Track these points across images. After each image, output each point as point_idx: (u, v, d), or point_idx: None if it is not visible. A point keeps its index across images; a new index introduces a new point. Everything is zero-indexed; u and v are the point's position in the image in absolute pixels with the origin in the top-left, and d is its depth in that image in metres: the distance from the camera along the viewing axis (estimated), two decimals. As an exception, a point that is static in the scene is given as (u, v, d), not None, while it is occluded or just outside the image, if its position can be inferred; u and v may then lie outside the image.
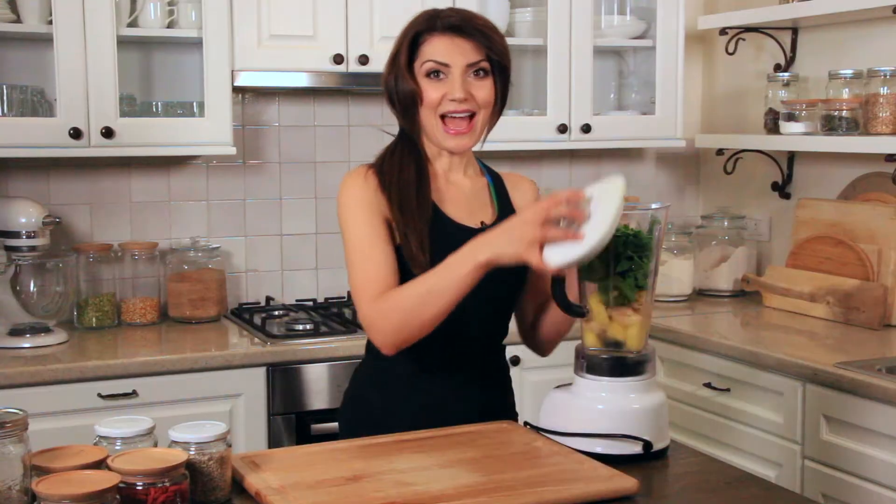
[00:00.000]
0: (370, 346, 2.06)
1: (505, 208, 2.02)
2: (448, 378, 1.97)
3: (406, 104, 1.94)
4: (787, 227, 3.56)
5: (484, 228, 1.93)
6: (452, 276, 1.74)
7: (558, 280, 1.76)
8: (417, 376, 1.97)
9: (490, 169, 2.10)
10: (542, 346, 2.10)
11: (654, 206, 1.80)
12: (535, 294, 2.05)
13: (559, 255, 1.66)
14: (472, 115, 1.92)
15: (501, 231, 1.72)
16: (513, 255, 1.68)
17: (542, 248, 1.66)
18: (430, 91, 1.90)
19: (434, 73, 1.91)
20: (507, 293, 2.01)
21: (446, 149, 1.95)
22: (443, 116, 1.92)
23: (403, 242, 1.88)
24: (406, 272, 1.86)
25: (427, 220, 1.89)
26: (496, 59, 1.92)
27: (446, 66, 1.90)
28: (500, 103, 1.97)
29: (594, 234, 1.64)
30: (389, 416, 1.96)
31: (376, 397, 2.01)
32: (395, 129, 2.06)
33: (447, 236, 1.89)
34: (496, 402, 2.04)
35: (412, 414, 1.95)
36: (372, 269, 1.85)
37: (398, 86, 1.94)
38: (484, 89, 1.92)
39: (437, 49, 1.90)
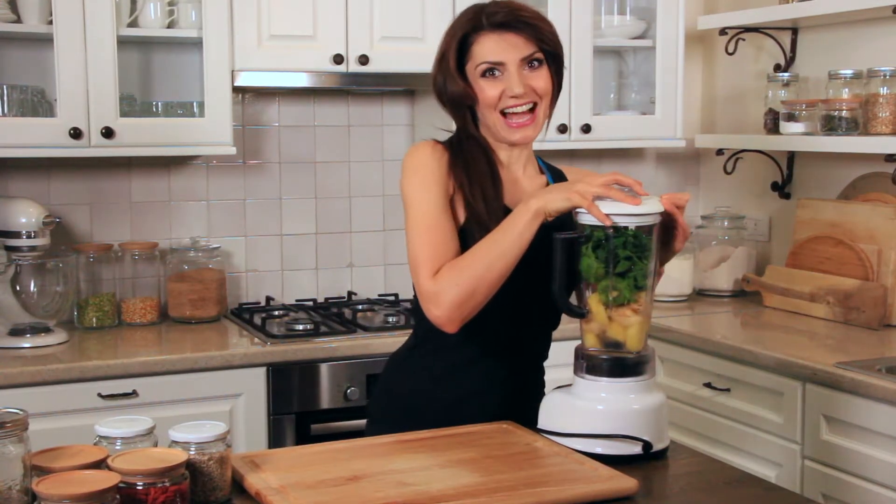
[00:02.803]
0: (416, 332, 2.05)
1: None
2: (487, 372, 1.97)
3: (455, 104, 1.95)
4: (787, 227, 3.56)
5: (543, 223, 1.89)
6: (513, 233, 1.77)
7: (558, 278, 1.76)
8: (456, 369, 1.97)
9: (551, 166, 2.10)
10: None
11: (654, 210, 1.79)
12: None
13: (612, 209, 1.72)
14: (533, 107, 1.92)
15: (556, 186, 1.80)
16: (564, 200, 1.73)
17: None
18: (489, 90, 1.90)
19: (489, 72, 1.91)
20: (554, 311, 2.00)
21: (511, 142, 1.96)
22: (503, 112, 1.92)
23: (479, 232, 1.86)
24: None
25: (502, 212, 1.89)
26: (548, 48, 1.92)
27: (501, 64, 1.90)
28: (557, 90, 1.98)
29: (651, 204, 1.74)
30: (421, 409, 1.97)
31: (410, 392, 2.01)
32: (432, 127, 2.05)
33: None
34: (530, 400, 2.01)
35: (445, 408, 1.96)
36: (435, 243, 1.83)
37: (447, 87, 1.93)
38: (541, 79, 1.92)
39: (489, 49, 1.90)
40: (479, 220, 1.87)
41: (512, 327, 1.96)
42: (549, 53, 1.93)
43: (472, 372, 1.98)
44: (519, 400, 2.00)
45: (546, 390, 2.00)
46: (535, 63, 1.91)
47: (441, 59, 1.94)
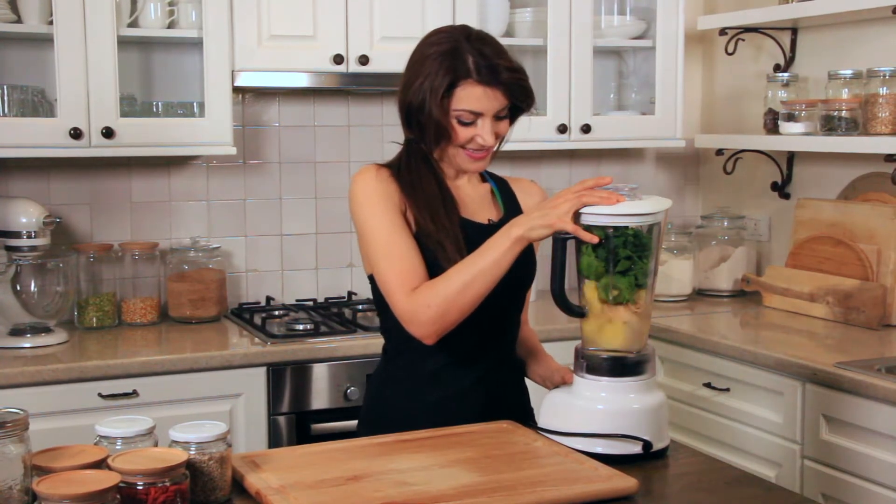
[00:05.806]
0: (386, 348, 2.10)
1: (511, 208, 2.08)
2: (466, 373, 2.00)
3: (432, 133, 1.95)
4: (786, 227, 3.56)
5: (491, 225, 1.99)
6: (490, 258, 1.81)
7: (558, 279, 1.77)
8: (435, 373, 2.00)
9: (493, 175, 2.15)
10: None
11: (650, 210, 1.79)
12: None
13: (611, 210, 1.73)
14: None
15: (536, 208, 1.82)
16: (546, 225, 1.76)
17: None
18: (463, 133, 1.95)
19: (467, 119, 1.95)
20: (518, 289, 2.04)
21: (466, 171, 2.03)
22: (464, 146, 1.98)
23: (438, 249, 1.91)
24: (432, 266, 1.90)
25: (458, 227, 1.95)
26: (519, 104, 1.98)
27: (480, 114, 1.94)
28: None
29: (652, 202, 1.75)
30: (409, 414, 1.99)
31: (395, 396, 2.04)
32: (401, 137, 2.06)
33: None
34: (511, 396, 2.07)
35: (431, 409, 1.98)
36: (402, 262, 1.89)
37: (433, 116, 1.93)
38: (504, 126, 2.00)
39: (472, 99, 1.92)
40: (429, 237, 1.92)
41: (477, 335, 1.98)
42: (517, 107, 2.00)
43: (443, 378, 2.00)
44: (497, 399, 2.02)
45: (546, 390, 2.00)
46: (504, 113, 1.97)
47: (424, 84, 1.93)
